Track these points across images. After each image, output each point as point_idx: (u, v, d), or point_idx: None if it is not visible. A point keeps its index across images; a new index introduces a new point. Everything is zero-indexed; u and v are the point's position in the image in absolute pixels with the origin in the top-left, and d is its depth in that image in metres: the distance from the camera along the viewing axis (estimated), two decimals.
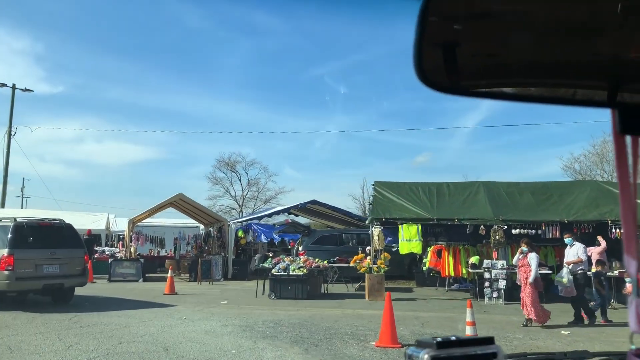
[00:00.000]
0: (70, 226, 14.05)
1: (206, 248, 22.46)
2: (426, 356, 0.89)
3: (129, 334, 9.70)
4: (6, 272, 12.20)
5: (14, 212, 38.43)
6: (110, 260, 21.39)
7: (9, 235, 12.52)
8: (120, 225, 40.43)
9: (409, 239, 15.94)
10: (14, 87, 38.51)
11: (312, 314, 12.39)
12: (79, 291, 16.63)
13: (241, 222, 22.66)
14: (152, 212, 22.95)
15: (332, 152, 75.08)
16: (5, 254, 12.27)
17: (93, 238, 25.89)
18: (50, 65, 72.32)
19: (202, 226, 37.49)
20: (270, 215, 22.54)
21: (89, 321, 10.94)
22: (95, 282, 20.11)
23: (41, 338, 9.25)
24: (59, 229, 13.72)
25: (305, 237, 21.79)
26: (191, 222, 39.99)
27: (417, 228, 15.92)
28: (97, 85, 74.11)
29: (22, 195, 64.74)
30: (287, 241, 29.52)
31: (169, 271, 17.00)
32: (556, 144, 69.38)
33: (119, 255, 25.71)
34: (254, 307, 13.74)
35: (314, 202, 22.59)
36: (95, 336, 9.40)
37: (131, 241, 21.35)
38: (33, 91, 39.95)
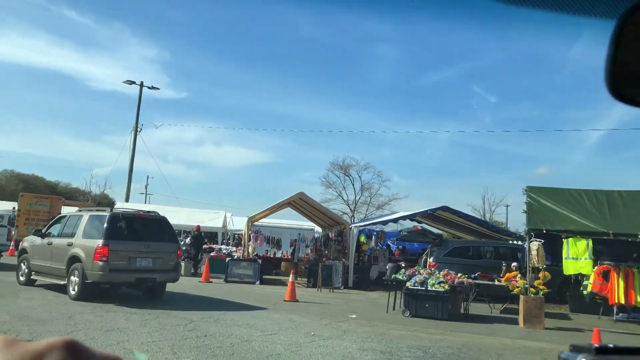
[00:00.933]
0: (164, 219, 13.49)
1: (325, 252, 20.83)
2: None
3: (252, 352, 8.05)
4: (100, 263, 11.75)
5: (137, 206, 39.60)
6: (227, 259, 20.37)
7: (104, 226, 12.10)
8: (237, 224, 40.33)
9: (575, 257, 13.14)
10: (141, 85, 39.66)
11: (464, 342, 10.13)
12: (196, 291, 15.59)
13: (364, 225, 20.77)
14: (271, 211, 21.74)
15: (442, 161, 72.67)
16: (100, 245, 11.82)
17: (202, 235, 25.17)
18: (176, 72, 77.19)
19: (317, 228, 36.25)
20: (396, 221, 20.45)
21: (206, 330, 9.48)
22: (211, 282, 19.16)
23: (154, 349, 7.84)
24: (154, 222, 13.25)
25: (435, 248, 19.46)
26: (306, 224, 38.97)
27: (587, 244, 13.08)
28: (218, 92, 77.79)
29: (146, 192, 68.57)
30: (407, 250, 27.27)
31: (290, 275, 15.44)
32: None
33: (235, 255, 24.85)
34: (389, 325, 11.74)
35: (445, 208, 20.19)
36: (214, 352, 7.84)
37: (249, 240, 20.19)
38: (159, 89, 40.99)
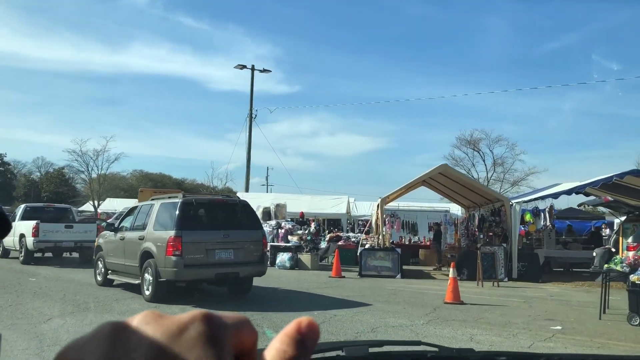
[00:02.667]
0: (246, 204, 11.71)
1: (481, 237, 16.91)
2: None
3: None
4: (174, 258, 10.06)
5: (256, 196, 37.83)
6: (359, 249, 17.15)
7: (176, 214, 10.33)
8: (361, 209, 37.30)
9: None
10: (252, 68, 37.69)
11: None
12: (327, 290, 12.49)
13: (528, 201, 16.52)
14: (406, 190, 18.19)
15: (570, 133, 65.35)
16: (172, 236, 10.10)
17: (305, 220, 22.12)
18: (288, 67, 79.42)
19: (454, 209, 32.02)
20: (569, 193, 15.97)
21: None
22: (343, 277, 16.03)
23: None
24: (233, 207, 11.42)
25: (631, 224, 14.81)
26: (439, 205, 34.92)
27: None
28: (330, 82, 77.52)
29: (267, 183, 68.18)
30: (573, 229, 22.41)
31: (450, 270, 11.76)
32: None
33: (367, 244, 21.60)
34: (616, 342, 7.79)
35: (638, 172, 15.40)
36: None
37: (385, 225, 16.82)
38: (270, 71, 38.88)
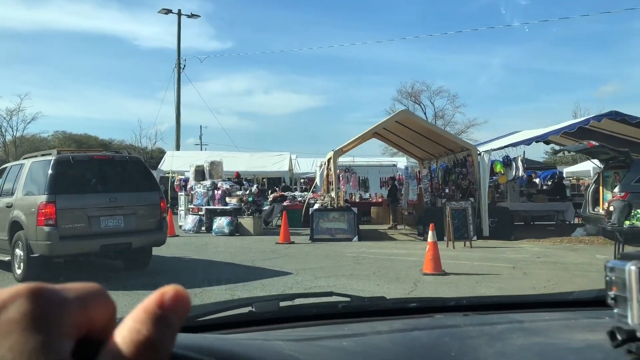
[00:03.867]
0: (138, 160, 10.19)
1: (447, 191, 15.02)
2: (633, 268, 0.79)
3: None
4: (47, 229, 8.26)
5: (189, 153, 34.75)
6: (311, 210, 14.92)
7: (49, 174, 8.45)
8: (304, 166, 35.05)
9: None
10: (179, 13, 34.01)
11: None
12: (275, 261, 10.19)
13: (499, 149, 14.71)
14: (361, 140, 15.97)
15: (499, 88, 66.88)
16: (44, 202, 8.30)
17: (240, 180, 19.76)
18: (220, 22, 74.40)
19: (402, 165, 30.29)
20: (544, 139, 14.22)
21: None
22: (293, 243, 13.81)
23: None
24: (122, 165, 9.62)
25: (614, 172, 13.27)
26: (385, 159, 33.10)
27: None
28: (263, 38, 74.66)
29: (201, 142, 64.67)
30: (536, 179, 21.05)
31: (430, 233, 9.69)
32: None
33: (314, 203, 19.44)
34: None
35: (616, 114, 13.84)
36: None
37: (339, 182, 14.58)
38: (199, 16, 35.18)
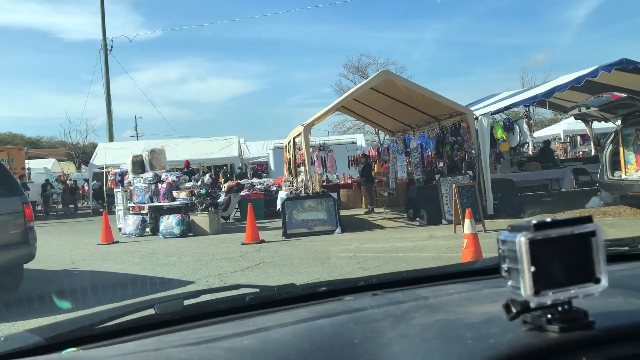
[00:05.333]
0: None
1: (440, 165, 12.65)
2: (523, 239, 0.80)
3: None
4: None
5: (124, 145, 31.21)
6: (280, 199, 12.25)
7: None
8: (254, 150, 32.13)
9: None
10: None
11: None
12: (249, 273, 7.50)
13: (498, 112, 12.43)
14: (328, 112, 13.31)
15: (432, 63, 67.11)
16: None
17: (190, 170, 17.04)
18: (147, 10, 70.07)
19: (361, 141, 27.93)
20: (548, 96, 12.04)
21: None
22: (263, 242, 11.16)
23: None
24: None
25: (633, 129, 11.29)
26: (346, 137, 30.62)
27: None
28: (193, 24, 71.47)
29: (137, 133, 60.52)
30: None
31: (467, 223, 7.25)
32: None
33: (277, 190, 16.82)
34: None
35: (627, 62, 11.86)
36: None
37: (312, 163, 11.94)
38: None
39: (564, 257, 0.83)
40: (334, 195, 12.00)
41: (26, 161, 25.90)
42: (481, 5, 65.19)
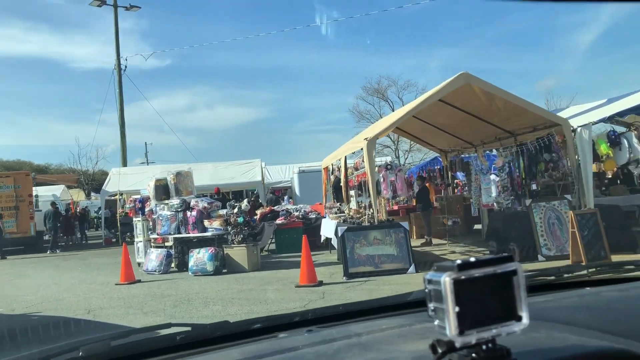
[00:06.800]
0: None
1: (533, 187, 10.45)
2: (447, 279, 0.81)
3: None
4: None
5: (139, 170, 29.32)
6: (339, 229, 10.04)
7: None
8: (276, 175, 30.07)
9: None
10: (115, 5, 28.54)
11: None
12: None
13: (602, 121, 10.27)
14: (391, 127, 11.16)
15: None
16: None
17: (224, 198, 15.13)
18: (156, 40, 71.42)
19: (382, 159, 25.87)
20: None
21: None
22: (322, 283, 8.99)
23: None
24: None
25: None
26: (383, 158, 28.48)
27: None
28: (201, 54, 74.38)
29: (147, 160, 59.17)
30: None
31: None
32: None
33: (317, 218, 14.76)
34: None
35: None
36: None
37: (381, 184, 9.74)
38: (140, 7, 29.69)
39: (487, 296, 0.84)
40: (406, 225, 9.81)
41: (34, 188, 23.92)
42: (488, 34, 63.80)
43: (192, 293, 9.20)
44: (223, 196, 14.86)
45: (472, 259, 0.84)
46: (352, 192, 11.90)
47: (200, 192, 15.72)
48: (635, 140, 9.71)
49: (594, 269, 1.76)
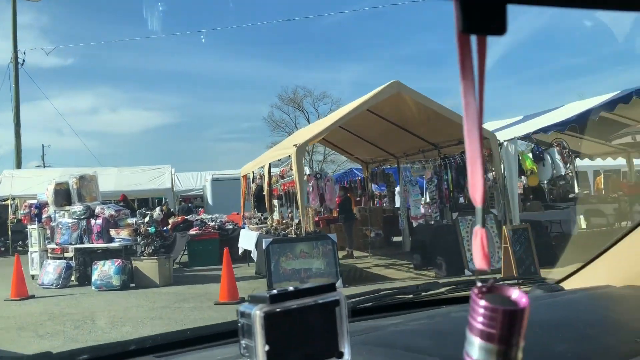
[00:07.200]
0: None
1: (460, 201, 10.34)
2: (258, 312, 0.71)
3: None
4: None
5: (36, 172, 27.04)
6: (241, 239, 9.37)
7: None
8: (186, 183, 28.75)
9: None
10: None
11: None
12: None
13: (527, 137, 10.31)
14: (322, 133, 10.66)
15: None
16: None
17: (125, 204, 14.22)
18: (57, 37, 66.81)
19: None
20: (592, 118, 10.13)
21: None
22: (243, 300, 8.27)
23: None
24: None
25: None
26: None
27: None
28: (107, 54, 69.76)
29: (44, 163, 55.09)
30: None
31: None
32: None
33: (234, 228, 14.08)
34: None
35: None
36: None
37: (309, 194, 9.18)
38: None
39: (307, 330, 0.75)
40: (334, 236, 9.31)
41: None
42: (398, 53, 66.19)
43: (97, 311, 8.17)
44: (128, 203, 13.67)
45: (291, 288, 0.74)
46: (275, 202, 11.29)
47: (104, 198, 14.42)
48: (557, 156, 9.85)
49: (452, 287, 1.72)
